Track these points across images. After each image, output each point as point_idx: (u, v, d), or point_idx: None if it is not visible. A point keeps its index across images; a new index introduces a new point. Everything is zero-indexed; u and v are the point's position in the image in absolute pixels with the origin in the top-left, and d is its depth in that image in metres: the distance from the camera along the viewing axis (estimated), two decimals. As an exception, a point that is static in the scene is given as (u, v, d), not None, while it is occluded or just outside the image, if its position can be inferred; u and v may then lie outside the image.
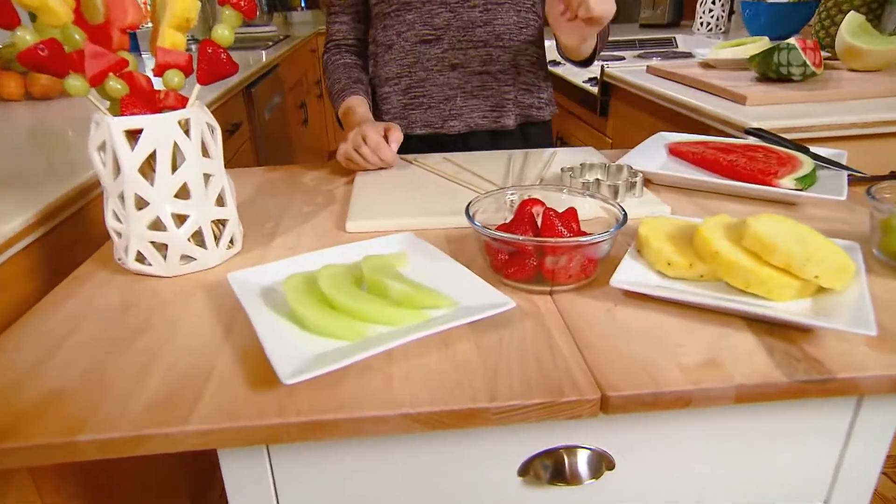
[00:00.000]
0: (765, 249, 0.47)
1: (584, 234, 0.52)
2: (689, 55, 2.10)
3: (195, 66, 0.55)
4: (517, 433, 0.45)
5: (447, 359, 0.42)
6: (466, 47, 0.97)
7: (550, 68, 2.26)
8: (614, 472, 0.48)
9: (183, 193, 0.53)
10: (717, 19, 2.33)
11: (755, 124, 0.97)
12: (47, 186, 0.69)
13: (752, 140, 0.86)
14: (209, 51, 0.54)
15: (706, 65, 1.38)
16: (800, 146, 0.81)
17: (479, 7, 0.96)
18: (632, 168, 0.73)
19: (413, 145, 1.02)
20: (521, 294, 0.51)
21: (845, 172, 0.72)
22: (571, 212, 0.55)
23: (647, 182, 0.79)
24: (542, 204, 0.54)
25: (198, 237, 0.54)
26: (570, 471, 0.47)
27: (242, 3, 0.55)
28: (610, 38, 2.33)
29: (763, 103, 1.08)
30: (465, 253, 0.58)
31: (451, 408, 0.37)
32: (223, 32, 0.54)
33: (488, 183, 0.77)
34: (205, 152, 0.54)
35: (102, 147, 0.51)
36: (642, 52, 2.23)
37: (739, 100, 1.10)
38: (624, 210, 0.53)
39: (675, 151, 0.86)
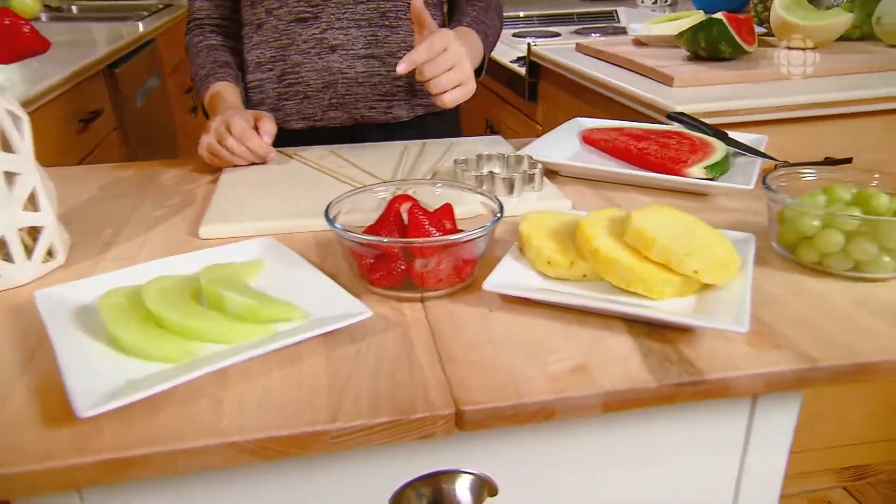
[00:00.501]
0: (644, 244, 0.50)
1: (459, 232, 0.54)
2: (628, 31, 2.19)
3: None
4: (388, 458, 0.46)
5: (291, 378, 0.43)
6: (348, 26, 0.97)
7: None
8: (497, 499, 0.50)
9: None
10: (662, -9, 2.45)
11: (679, 108, 1.03)
12: None
13: (675, 126, 0.92)
14: (6, 22, 0.53)
15: (638, 42, 1.45)
16: (719, 131, 0.87)
17: None
18: (531, 159, 0.76)
19: (290, 142, 0.98)
20: (390, 302, 0.53)
21: (759, 160, 0.78)
22: (446, 209, 0.57)
23: (554, 174, 0.82)
24: (414, 201, 0.55)
25: (2, 249, 0.53)
26: (449, 499, 0.48)
27: None
28: (545, 12, 2.41)
29: (691, 85, 1.14)
30: (335, 258, 0.59)
31: (282, 433, 0.38)
32: (28, 1, 0.53)
33: (374, 179, 0.78)
34: (6, 146, 0.53)
35: None
36: (580, 27, 2.31)
37: (667, 81, 1.16)
38: (501, 205, 0.56)
39: (587, 139, 0.90)
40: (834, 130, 1.13)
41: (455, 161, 0.76)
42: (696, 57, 1.25)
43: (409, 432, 0.40)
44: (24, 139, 0.54)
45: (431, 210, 0.56)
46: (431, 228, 0.52)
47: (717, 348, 0.46)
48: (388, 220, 0.53)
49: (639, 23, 1.54)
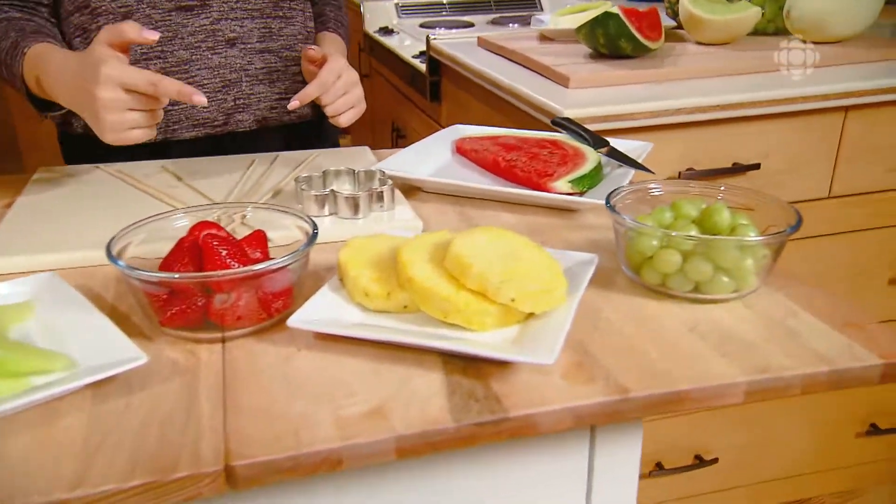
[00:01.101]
0: (461, 271, 0.54)
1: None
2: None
3: None
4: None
5: (42, 439, 0.45)
6: (242, 17, 0.99)
7: (375, 35, 2.33)
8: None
9: None
10: (591, -24, 2.55)
11: (571, 112, 1.09)
12: None
13: (557, 134, 0.97)
14: None
15: (544, 37, 1.51)
16: (600, 139, 0.93)
17: None
18: (383, 174, 0.80)
19: (177, 156, 0.99)
20: (186, 345, 0.54)
21: (632, 172, 0.84)
22: (257, 236, 0.59)
23: (417, 190, 0.86)
24: (218, 228, 0.58)
25: None
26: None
27: None
28: (462, 0, 2.47)
29: (587, 85, 1.20)
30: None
31: (13, 505, 0.40)
32: None
33: (205, 200, 0.80)
34: None
35: None
36: (497, 15, 2.39)
37: (563, 81, 1.22)
38: (315, 228, 0.59)
39: (460, 149, 0.95)
40: (743, 133, 1.21)
41: (296, 179, 0.79)
42: (598, 54, 1.32)
43: (169, 494, 0.42)
44: None
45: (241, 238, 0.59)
46: (231, 260, 0.54)
47: (530, 382, 0.50)
48: (182, 252, 0.55)
49: (546, 16, 1.61)
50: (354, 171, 0.82)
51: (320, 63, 0.93)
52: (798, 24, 1.34)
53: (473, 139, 0.95)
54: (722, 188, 0.67)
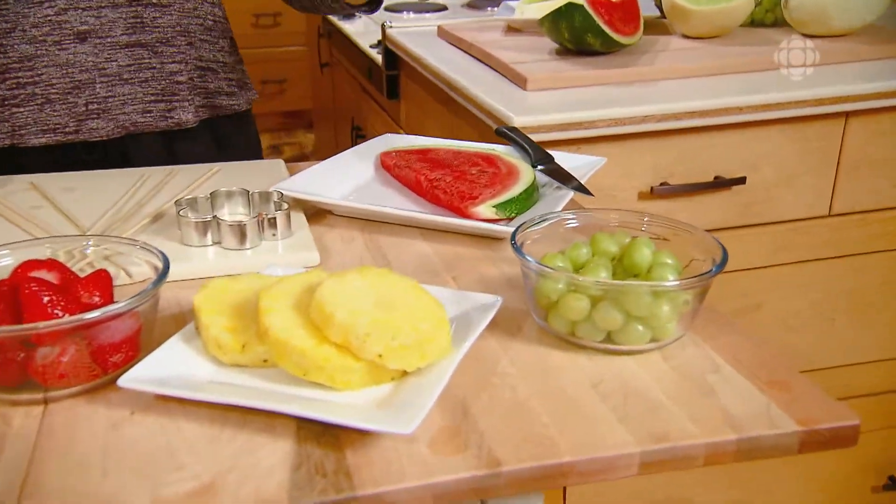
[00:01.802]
0: (324, 321, 0.53)
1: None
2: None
3: None
4: None
5: None
6: (100, 6, 0.97)
7: (334, 18, 2.32)
8: None
9: None
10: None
11: (521, 120, 1.09)
12: None
13: (496, 147, 0.96)
14: None
15: (510, 27, 1.51)
16: (544, 153, 0.92)
17: None
18: (280, 196, 0.80)
19: (30, 163, 0.99)
20: (2, 408, 0.54)
21: (570, 194, 0.83)
22: (98, 277, 0.59)
23: (327, 213, 0.85)
24: (51, 267, 0.57)
25: None
26: None
27: None
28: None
29: (547, 87, 1.20)
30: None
31: None
32: None
33: (70, 226, 0.80)
34: None
35: None
36: (477, -5, 2.39)
37: (520, 82, 1.22)
38: (166, 264, 0.59)
39: (384, 164, 0.94)
40: (727, 142, 1.21)
41: (177, 202, 0.78)
42: (564, 50, 1.32)
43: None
44: None
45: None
46: (55, 308, 0.54)
47: (391, 454, 0.49)
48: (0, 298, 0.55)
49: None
50: (248, 192, 0.82)
51: None
52: (797, 14, 1.34)
53: (400, 153, 0.95)
54: (645, 219, 0.67)
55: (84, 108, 1.00)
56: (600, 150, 1.14)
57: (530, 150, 0.93)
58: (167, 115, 1.05)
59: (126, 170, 0.97)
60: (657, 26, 1.47)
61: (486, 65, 1.35)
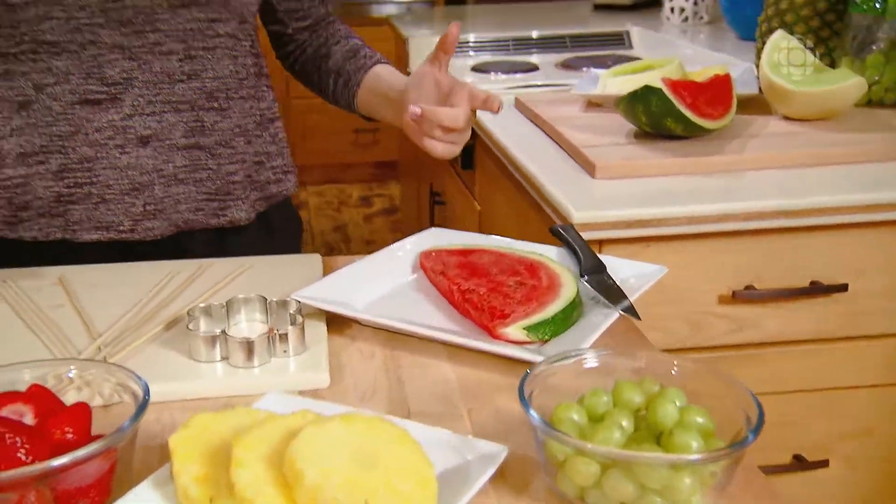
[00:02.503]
0: (294, 480, 0.53)
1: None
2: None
3: None
4: None
5: None
6: (162, 111, 1.03)
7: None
8: None
9: None
10: (696, 3, 2.53)
11: (582, 215, 1.08)
12: None
13: (543, 250, 0.95)
14: None
15: (591, 103, 1.51)
16: (595, 261, 0.91)
17: (177, 53, 1.03)
18: (298, 305, 0.81)
19: (83, 257, 1.04)
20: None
21: (612, 317, 0.81)
22: (77, 410, 0.60)
23: (350, 324, 0.86)
24: (32, 399, 0.59)
25: None
26: None
27: None
28: (522, 35, 2.51)
29: (617, 176, 1.19)
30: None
31: None
32: None
33: (84, 330, 0.83)
34: None
35: None
36: (571, 55, 2.39)
37: (589, 168, 1.21)
38: (145, 394, 0.60)
39: (423, 265, 0.95)
40: (828, 243, 1.16)
41: (189, 312, 0.80)
42: (643, 133, 1.30)
43: None
44: None
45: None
46: (20, 452, 0.55)
47: None
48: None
49: (602, 70, 1.60)
50: (266, 299, 0.83)
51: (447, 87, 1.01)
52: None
53: (440, 254, 0.95)
54: (675, 364, 0.64)
55: (141, 209, 1.06)
56: (672, 249, 1.12)
57: (581, 256, 0.92)
58: (220, 213, 1.11)
59: (156, 263, 1.01)
60: (756, 104, 1.43)
61: (559, 144, 1.35)
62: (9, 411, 0.59)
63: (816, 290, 1.16)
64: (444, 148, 1.00)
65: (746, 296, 1.15)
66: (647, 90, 1.20)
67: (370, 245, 3.95)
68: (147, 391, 0.61)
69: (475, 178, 1.78)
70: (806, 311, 1.18)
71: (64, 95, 1.00)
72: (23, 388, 0.63)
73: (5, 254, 1.05)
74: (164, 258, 1.04)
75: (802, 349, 1.20)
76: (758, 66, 1.51)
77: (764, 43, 1.50)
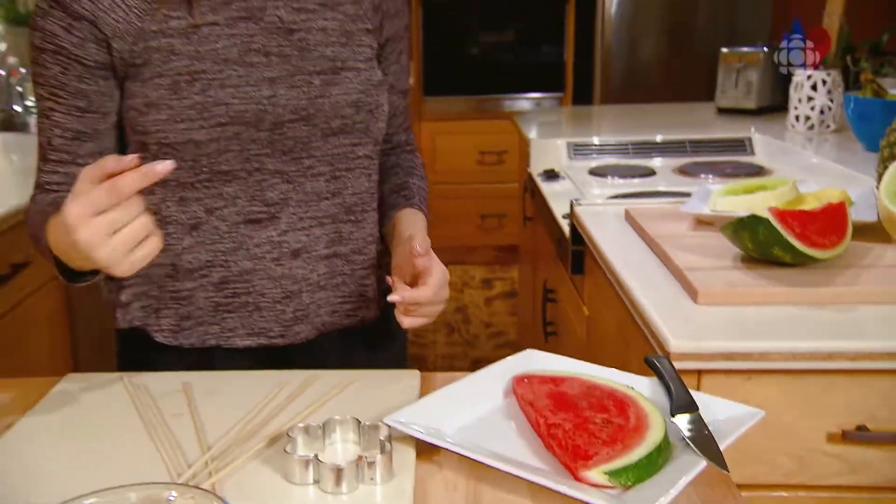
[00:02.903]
0: None
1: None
2: (760, 171, 2.23)
3: None
4: None
5: None
6: (310, 226, 1.13)
7: (537, 178, 2.38)
8: None
9: None
10: (822, 112, 2.46)
11: (679, 344, 1.06)
12: None
13: (636, 388, 0.94)
14: None
15: (700, 221, 1.49)
16: (688, 399, 0.89)
17: (325, 175, 1.12)
18: (388, 430, 0.83)
19: (234, 363, 1.13)
20: None
21: (699, 466, 0.79)
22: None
23: (437, 450, 0.87)
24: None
25: None
26: None
27: None
28: (643, 139, 2.51)
29: (720, 303, 1.17)
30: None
31: None
32: None
33: (195, 441, 0.88)
34: None
35: None
36: (690, 160, 2.38)
37: (692, 294, 1.19)
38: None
39: (515, 391, 0.95)
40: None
41: (288, 432, 0.84)
42: (750, 259, 1.27)
43: None
44: None
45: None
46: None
47: None
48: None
49: (718, 185, 1.58)
50: (359, 422, 0.86)
51: (421, 258, 1.02)
52: None
53: (533, 381, 0.95)
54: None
55: (291, 315, 1.15)
56: (775, 382, 1.08)
57: (673, 392, 0.91)
58: (353, 314, 1.20)
59: (268, 373, 1.06)
60: (875, 232, 1.38)
61: (664, 263, 1.34)
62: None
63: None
64: (409, 322, 1.03)
65: (858, 437, 1.09)
66: (755, 219, 1.18)
67: (489, 327, 3.97)
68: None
69: (584, 284, 1.78)
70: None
71: (230, 217, 1.10)
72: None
73: (157, 356, 1.15)
74: (303, 359, 1.12)
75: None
76: (878, 184, 1.47)
77: (885, 167, 1.45)
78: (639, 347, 1.24)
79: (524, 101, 4.63)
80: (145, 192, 1.07)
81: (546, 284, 2.29)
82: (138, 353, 1.17)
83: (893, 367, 1.06)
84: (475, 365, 3.02)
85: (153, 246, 0.84)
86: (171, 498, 0.70)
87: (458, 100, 4.55)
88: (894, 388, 1.09)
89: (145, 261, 0.84)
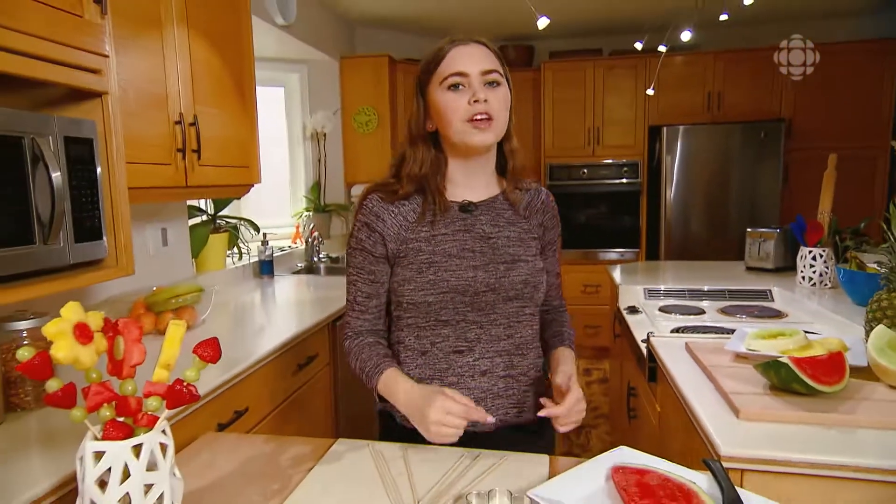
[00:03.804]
0: None
1: None
2: (778, 314, 2.05)
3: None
4: None
5: None
6: (493, 356, 1.12)
7: (624, 311, 2.30)
8: None
9: (127, 499, 0.73)
10: (821, 275, 2.27)
11: (729, 451, 0.98)
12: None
13: (697, 480, 0.87)
14: (177, 388, 0.78)
15: (739, 356, 1.38)
16: (735, 495, 0.81)
17: (503, 325, 1.12)
18: (529, 500, 0.80)
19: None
20: None
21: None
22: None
23: (561, 513, 0.83)
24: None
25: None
26: None
27: (207, 354, 0.79)
28: (694, 287, 2.38)
29: (757, 419, 1.07)
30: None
31: None
32: (190, 374, 0.78)
33: (409, 494, 0.88)
34: (154, 466, 0.75)
35: (82, 457, 0.75)
36: (730, 304, 2.23)
37: (735, 411, 1.10)
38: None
39: (614, 477, 0.90)
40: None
41: (467, 497, 0.83)
42: (774, 388, 1.17)
43: None
44: (165, 460, 0.77)
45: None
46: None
47: None
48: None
49: (750, 328, 1.48)
50: (511, 493, 0.83)
51: (566, 386, 1.02)
52: None
53: (625, 471, 0.90)
54: None
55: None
56: (798, 482, 0.97)
57: (724, 490, 0.83)
58: (518, 415, 1.15)
59: (454, 448, 1.03)
60: (866, 373, 1.23)
61: (713, 386, 1.24)
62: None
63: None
64: (562, 429, 1.02)
65: (861, 531, 0.95)
66: (778, 364, 1.08)
67: (588, 403, 3.76)
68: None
69: (657, 389, 1.67)
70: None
71: (445, 348, 1.11)
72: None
73: (398, 431, 1.15)
74: (485, 445, 1.06)
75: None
76: (867, 337, 1.32)
77: (871, 327, 1.31)
78: (697, 441, 1.15)
79: (612, 254, 4.53)
80: (397, 328, 1.13)
81: (629, 383, 2.17)
82: (385, 424, 1.19)
83: (885, 479, 0.93)
84: (581, 431, 2.88)
85: (455, 437, 0.94)
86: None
87: (572, 252, 4.51)
88: (886, 493, 0.95)
89: (444, 441, 0.95)
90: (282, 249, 3.21)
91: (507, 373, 1.12)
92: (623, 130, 4.28)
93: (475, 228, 1.12)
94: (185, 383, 0.78)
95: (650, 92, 3.53)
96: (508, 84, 1.09)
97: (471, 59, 1.05)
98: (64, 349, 0.73)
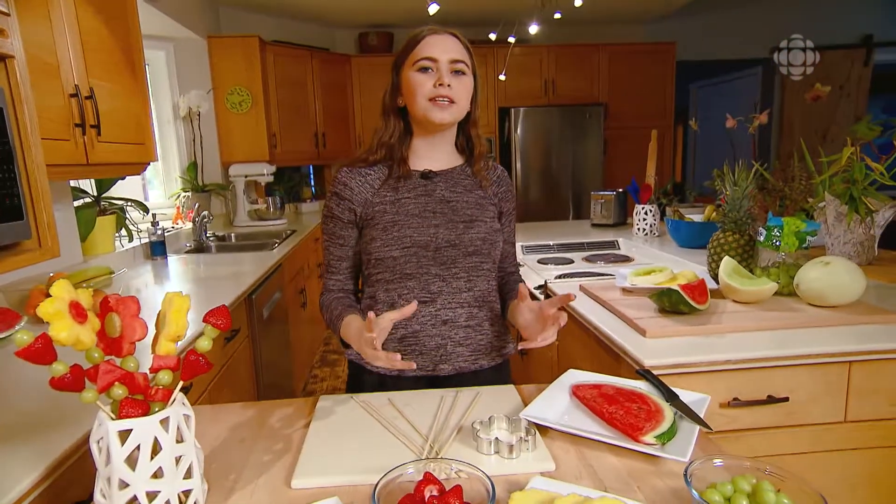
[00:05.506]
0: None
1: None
2: (626, 259, 2.32)
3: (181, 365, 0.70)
4: None
5: None
6: (455, 307, 1.12)
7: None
8: None
9: (158, 473, 0.65)
10: (651, 227, 2.62)
11: (648, 362, 1.12)
12: (56, 435, 0.82)
13: (640, 385, 0.99)
14: (192, 358, 0.70)
15: (626, 290, 1.56)
16: (671, 392, 0.95)
17: (463, 278, 1.12)
18: (528, 423, 0.86)
19: (408, 384, 1.12)
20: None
21: (697, 429, 0.85)
22: (456, 491, 0.66)
23: (546, 430, 0.89)
24: (438, 484, 0.65)
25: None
26: None
27: (220, 322, 0.72)
28: (562, 241, 2.59)
29: (659, 336, 1.23)
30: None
31: None
32: (203, 343, 0.71)
33: (415, 433, 0.89)
34: (180, 438, 0.67)
35: (100, 439, 0.65)
36: (589, 253, 2.47)
37: (641, 332, 1.25)
38: (492, 485, 0.65)
39: (575, 394, 0.99)
40: (774, 374, 1.17)
41: (472, 424, 0.86)
42: (662, 311, 1.35)
43: None
44: (190, 430, 0.69)
45: (447, 484, 0.66)
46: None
47: None
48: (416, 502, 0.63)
49: (626, 269, 1.67)
50: (509, 417, 0.88)
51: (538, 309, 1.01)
52: (805, 294, 1.33)
53: (585, 387, 0.98)
54: (767, 469, 0.68)
55: (439, 359, 1.12)
56: (695, 378, 1.14)
57: (662, 390, 0.96)
58: (475, 362, 1.15)
59: (433, 391, 1.05)
60: (717, 294, 1.48)
61: (615, 315, 1.39)
62: (427, 490, 0.65)
63: (771, 400, 1.16)
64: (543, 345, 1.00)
65: (734, 404, 1.16)
66: (670, 291, 1.26)
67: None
68: (492, 487, 0.66)
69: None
70: (764, 411, 1.18)
71: (410, 299, 1.10)
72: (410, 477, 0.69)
73: (366, 377, 1.14)
74: (446, 384, 1.10)
75: (763, 433, 1.19)
76: (708, 271, 1.58)
77: (715, 260, 1.56)
78: (609, 366, 1.29)
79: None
80: (368, 285, 1.11)
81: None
82: (354, 372, 1.17)
83: (745, 367, 1.14)
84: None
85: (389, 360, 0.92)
86: (452, 470, 0.71)
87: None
88: (748, 378, 1.16)
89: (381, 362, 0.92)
90: (165, 230, 2.86)
91: (467, 323, 1.13)
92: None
93: (435, 193, 1.13)
94: (197, 353, 0.71)
95: (502, 77, 3.70)
96: (474, 76, 1.11)
97: (442, 47, 1.06)
98: (65, 329, 0.62)
